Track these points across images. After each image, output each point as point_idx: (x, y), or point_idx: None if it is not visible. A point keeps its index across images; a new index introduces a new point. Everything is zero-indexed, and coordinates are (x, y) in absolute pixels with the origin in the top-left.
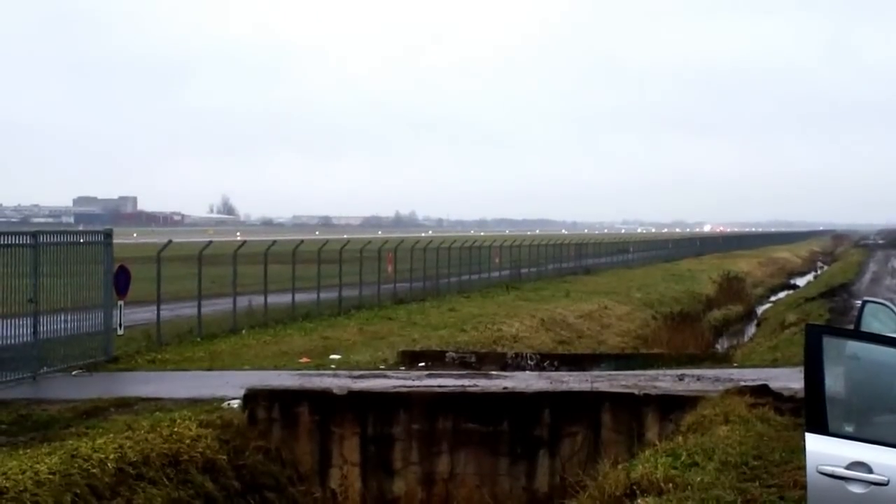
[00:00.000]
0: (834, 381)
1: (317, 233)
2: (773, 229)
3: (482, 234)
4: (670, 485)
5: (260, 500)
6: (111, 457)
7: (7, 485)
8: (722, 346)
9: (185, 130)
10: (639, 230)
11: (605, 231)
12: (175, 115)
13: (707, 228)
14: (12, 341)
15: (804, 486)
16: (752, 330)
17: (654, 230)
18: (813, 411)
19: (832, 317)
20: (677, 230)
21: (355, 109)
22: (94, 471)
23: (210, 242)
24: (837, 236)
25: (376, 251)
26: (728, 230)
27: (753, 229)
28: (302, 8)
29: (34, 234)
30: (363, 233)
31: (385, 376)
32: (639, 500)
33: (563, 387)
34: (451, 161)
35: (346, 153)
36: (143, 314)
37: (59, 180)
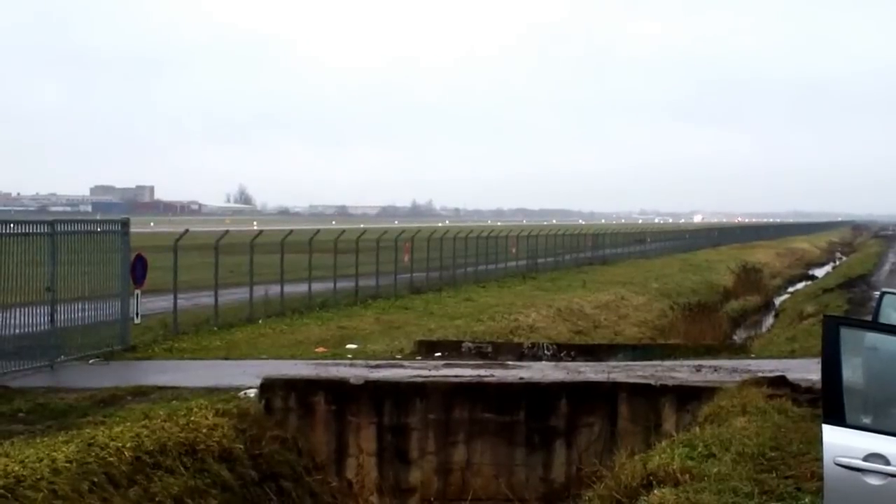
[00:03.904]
0: (852, 372)
1: (333, 222)
2: (791, 220)
3: (499, 223)
4: (687, 476)
5: (276, 489)
6: (128, 445)
7: (24, 473)
8: (739, 336)
9: (202, 120)
10: (656, 220)
11: (623, 221)
12: (192, 105)
13: (697, 219)
14: (30, 330)
15: (821, 478)
16: (769, 321)
17: (670, 220)
18: (830, 402)
19: (850, 308)
20: (693, 220)
21: (371, 100)
22: (111, 459)
23: (227, 232)
24: (856, 227)
25: (393, 241)
26: (746, 220)
27: (772, 220)
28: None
29: (52, 223)
30: (380, 222)
31: (401, 366)
32: (655, 491)
33: (580, 377)
34: (469, 151)
35: (362, 143)
36: (160, 303)
37: (76, 170)
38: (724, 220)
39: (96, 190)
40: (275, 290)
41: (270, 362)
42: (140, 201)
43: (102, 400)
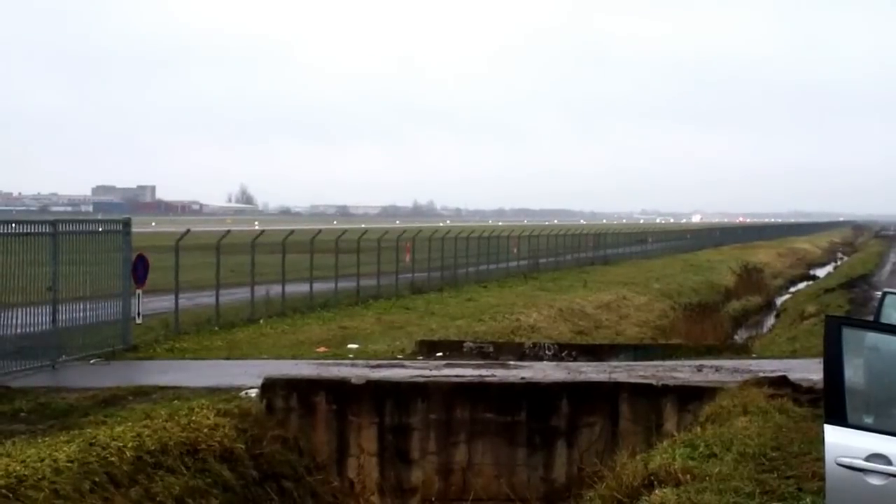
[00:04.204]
0: (853, 372)
1: (335, 222)
2: (792, 220)
3: (500, 223)
4: (688, 476)
5: (277, 489)
6: (129, 445)
7: (26, 473)
8: (741, 336)
9: (203, 120)
10: (658, 220)
11: (624, 221)
12: (194, 106)
13: (696, 219)
14: (32, 329)
15: (823, 478)
16: (771, 321)
17: (672, 220)
18: (832, 402)
19: (852, 308)
20: (692, 220)
21: (373, 100)
22: (113, 459)
23: (228, 231)
24: (858, 227)
25: (394, 241)
26: (748, 220)
27: (773, 220)
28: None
29: (53, 223)
30: (381, 222)
31: (403, 366)
32: (656, 491)
33: (581, 377)
34: (470, 151)
35: (364, 143)
36: (162, 303)
37: (78, 170)
38: (725, 221)
39: (98, 190)
40: (276, 290)
41: (272, 362)
42: (141, 201)
43: (104, 400)
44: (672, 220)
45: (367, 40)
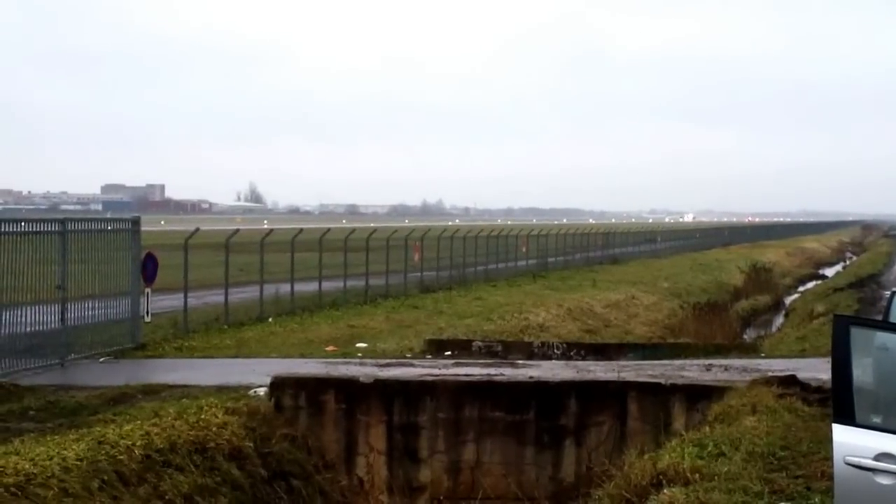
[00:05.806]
0: (862, 371)
1: (344, 221)
2: (801, 219)
3: (509, 222)
4: (697, 475)
5: (286, 488)
6: (138, 443)
7: (35, 471)
8: (749, 336)
9: (212, 119)
10: (666, 220)
11: (633, 220)
12: (203, 104)
13: (689, 218)
14: (40, 328)
15: (831, 477)
16: (779, 320)
17: (681, 220)
18: (840, 402)
19: (861, 307)
20: (689, 219)
21: (381, 99)
22: (122, 457)
23: (237, 230)
24: (867, 226)
25: (403, 239)
26: (756, 219)
27: (782, 219)
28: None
29: (62, 221)
30: (390, 221)
31: (411, 365)
32: (665, 490)
33: (590, 376)
34: (479, 150)
35: (373, 142)
36: (171, 301)
37: (87, 168)
38: (718, 220)
39: (107, 188)
40: (285, 288)
41: (280, 361)
42: (150, 200)
43: (113, 398)
44: (680, 220)
45: (373, 40)
